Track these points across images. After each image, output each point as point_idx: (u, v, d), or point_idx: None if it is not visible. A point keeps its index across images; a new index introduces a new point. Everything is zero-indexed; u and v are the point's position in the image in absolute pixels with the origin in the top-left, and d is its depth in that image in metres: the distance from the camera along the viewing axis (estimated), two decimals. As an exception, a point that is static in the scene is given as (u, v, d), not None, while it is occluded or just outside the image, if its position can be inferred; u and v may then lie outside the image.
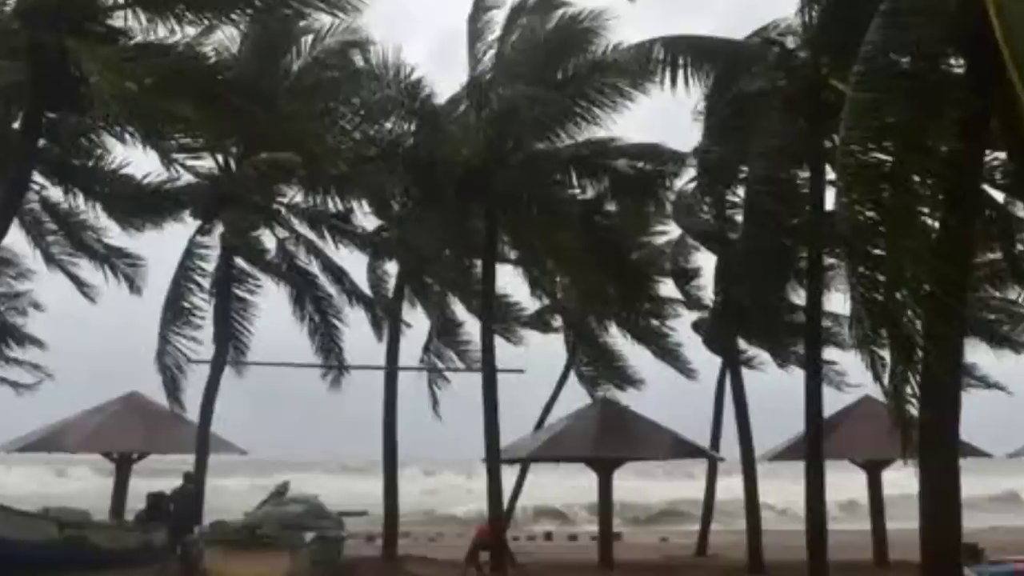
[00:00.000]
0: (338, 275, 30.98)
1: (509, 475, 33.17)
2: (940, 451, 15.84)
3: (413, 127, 28.58)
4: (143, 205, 28.30)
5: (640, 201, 29.99)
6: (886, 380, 15.09)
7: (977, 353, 30.81)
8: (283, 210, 30.18)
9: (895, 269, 14.99)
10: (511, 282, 33.75)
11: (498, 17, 29.14)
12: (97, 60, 20.19)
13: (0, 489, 42.79)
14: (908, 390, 14.92)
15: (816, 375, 24.09)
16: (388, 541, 30.52)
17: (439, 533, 43.55)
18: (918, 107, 15.14)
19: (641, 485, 60.95)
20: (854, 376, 29.72)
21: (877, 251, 15.24)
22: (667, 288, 34.51)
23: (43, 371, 31.91)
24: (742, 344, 33.14)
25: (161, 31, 22.24)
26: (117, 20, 22.24)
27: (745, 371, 32.97)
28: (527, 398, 36.54)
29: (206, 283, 29.25)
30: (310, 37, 28.09)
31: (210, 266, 29.36)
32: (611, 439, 29.80)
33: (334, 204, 29.78)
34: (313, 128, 26.12)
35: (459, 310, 33.91)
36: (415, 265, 31.25)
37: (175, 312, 28.79)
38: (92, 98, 21.49)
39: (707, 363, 35.25)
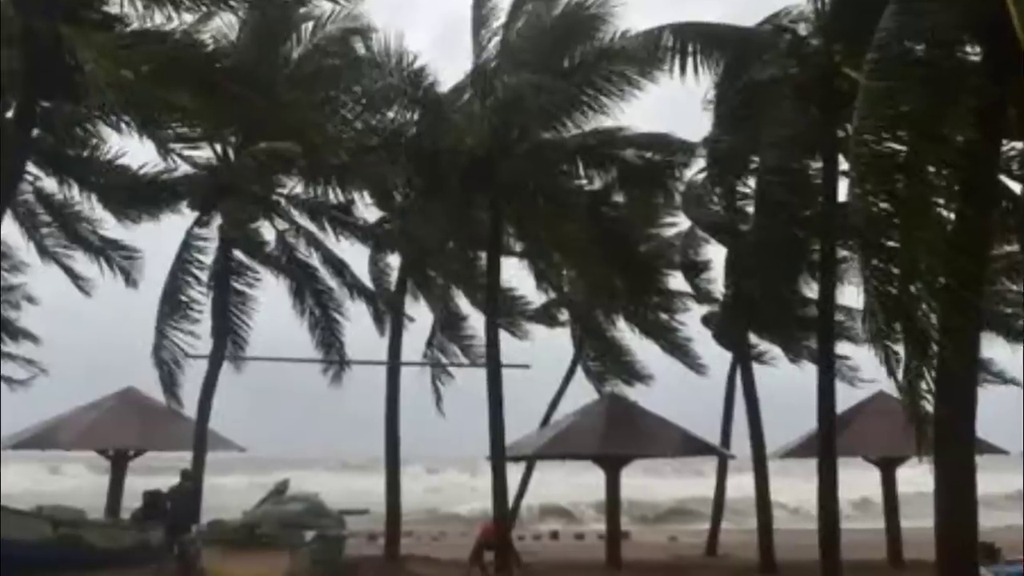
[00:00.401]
0: (339, 268, 31.04)
1: (514, 473, 33.18)
2: (956, 448, 15.86)
3: (416, 116, 28.59)
4: (139, 196, 28.34)
5: (648, 192, 29.96)
6: (900, 375, 15.07)
7: (994, 348, 30.83)
8: (283, 201, 30.24)
9: (910, 261, 14.96)
10: (516, 275, 33.87)
11: (503, 3, 29.10)
12: (92, 47, 20.23)
13: (-7, 487, 42.87)
14: (923, 385, 14.91)
15: (829, 370, 24.10)
16: (390, 540, 30.55)
17: (442, 532, 43.67)
18: (933, 95, 15.11)
19: (649, 483, 60.81)
20: (868, 371, 29.75)
21: (891, 243, 15.22)
22: (676, 281, 34.56)
23: (37, 366, 32.05)
24: (753, 338, 33.19)
25: (158, 18, 22.27)
26: (113, 6, 22.26)
27: (756, 366, 33.00)
28: (532, 394, 36.62)
29: (204, 276, 29.27)
30: (310, 24, 28.13)
31: (208, 259, 29.41)
32: (619, 436, 29.84)
33: (335, 195, 29.86)
34: (313, 117, 26.19)
35: (463, 304, 34.02)
36: (418, 257, 31.30)
37: (172, 306, 28.81)
38: (87, 86, 21.53)
39: (717, 358, 35.33)
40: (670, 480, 70.41)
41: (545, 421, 35.50)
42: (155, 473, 33.88)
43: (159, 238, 30.60)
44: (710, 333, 34.20)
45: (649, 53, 24.60)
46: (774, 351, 33.77)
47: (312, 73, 27.79)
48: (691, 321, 35.50)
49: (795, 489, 46.26)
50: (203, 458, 28.72)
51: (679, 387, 38.01)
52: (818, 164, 23.56)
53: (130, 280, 29.87)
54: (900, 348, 15.00)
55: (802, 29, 23.54)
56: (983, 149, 15.86)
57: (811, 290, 27.08)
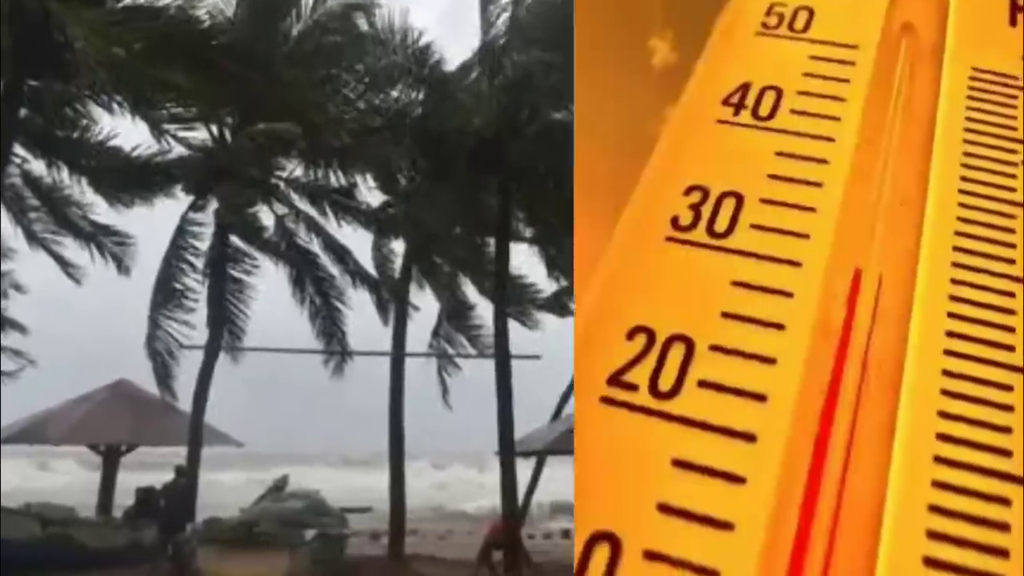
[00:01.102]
0: (341, 254, 31.02)
1: (524, 468, 33.25)
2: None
3: (421, 95, 28.60)
4: (132, 180, 28.34)
5: (664, 174, 29.89)
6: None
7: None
8: (282, 185, 30.23)
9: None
10: (526, 262, 33.79)
11: (512, -23, 29.13)
12: (82, 24, 20.25)
13: (-20, 483, 42.99)
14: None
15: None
16: (394, 539, 30.53)
17: (449, 531, 43.63)
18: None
19: (665, 479, 60.85)
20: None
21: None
22: (693, 268, 34.42)
23: (25, 357, 31.97)
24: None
25: (151, -7, 22.32)
26: (104, -19, 22.32)
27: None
28: (543, 386, 36.57)
29: (199, 263, 29.23)
30: (311, -1, 28.16)
31: (204, 245, 29.35)
32: (633, 430, 29.78)
33: (336, 178, 29.83)
34: (314, 97, 26.20)
35: (471, 292, 33.97)
36: (423, 243, 31.27)
37: (166, 294, 28.81)
38: (77, 65, 21.51)
39: (735, 348, 35.16)
40: (687, 476, 70.41)
41: (556, 414, 35.52)
42: (148, 469, 33.87)
43: (152, 223, 30.63)
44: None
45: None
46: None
47: (313, 51, 27.76)
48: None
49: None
50: (198, 453, 28.68)
51: (696, 379, 37.89)
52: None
53: (122, 267, 29.92)
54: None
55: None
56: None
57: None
